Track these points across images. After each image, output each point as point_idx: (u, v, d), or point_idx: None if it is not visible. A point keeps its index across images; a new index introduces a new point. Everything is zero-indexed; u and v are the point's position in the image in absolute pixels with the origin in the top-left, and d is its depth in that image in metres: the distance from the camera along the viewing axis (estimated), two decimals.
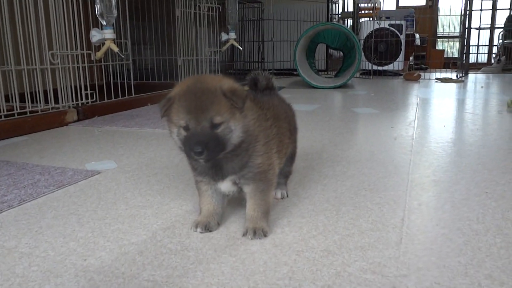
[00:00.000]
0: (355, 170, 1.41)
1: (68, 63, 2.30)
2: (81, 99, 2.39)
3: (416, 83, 4.61)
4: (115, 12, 2.41)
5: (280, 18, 5.36)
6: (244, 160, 0.93)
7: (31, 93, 2.11)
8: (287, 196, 1.18)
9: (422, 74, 5.30)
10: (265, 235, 0.94)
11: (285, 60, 5.44)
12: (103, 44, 2.46)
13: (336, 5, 6.53)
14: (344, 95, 3.53)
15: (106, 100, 2.61)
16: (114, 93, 2.66)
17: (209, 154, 0.85)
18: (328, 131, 2.05)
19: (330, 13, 5.80)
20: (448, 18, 8.50)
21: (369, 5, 7.38)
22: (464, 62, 5.32)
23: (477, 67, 6.47)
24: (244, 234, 0.94)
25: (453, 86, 4.20)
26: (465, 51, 5.28)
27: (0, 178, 1.35)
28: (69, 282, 0.76)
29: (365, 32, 5.44)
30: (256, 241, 0.91)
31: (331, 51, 5.94)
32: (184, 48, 3.37)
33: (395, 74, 5.45)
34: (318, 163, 1.50)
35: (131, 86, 2.80)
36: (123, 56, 2.50)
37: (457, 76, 5.05)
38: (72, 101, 2.33)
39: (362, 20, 6.02)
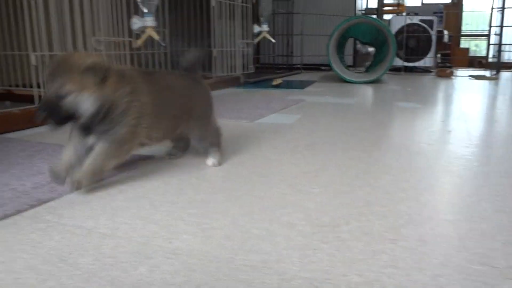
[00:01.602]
0: (431, 162, 1.36)
1: (112, 50, 2.27)
2: None
3: (449, 79, 4.51)
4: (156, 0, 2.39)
5: (309, 12, 5.29)
6: (108, 126, 1.02)
7: None
8: (219, 164, 1.28)
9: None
10: (77, 188, 1.01)
11: (313, 55, 5.37)
12: (144, 31, 2.43)
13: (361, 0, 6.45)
14: (380, 90, 3.46)
15: None
16: None
17: (52, 120, 0.94)
18: (381, 123, 2.00)
19: (356, 7, 5.72)
20: (470, 16, 8.33)
21: (393, 1, 7.28)
22: (496, 60, 5.20)
23: (508, 65, 6.32)
24: (69, 186, 1.02)
25: (488, 84, 4.10)
26: (498, 49, 5.16)
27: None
28: (162, 263, 0.73)
29: (394, 27, 5.34)
30: (345, 228, 0.87)
31: (358, 46, 5.86)
32: (218, 39, 3.33)
33: (424, 70, 5.35)
34: (387, 153, 1.45)
35: None
36: (163, 45, 2.48)
37: (490, 73, 4.94)
38: None
39: (386, 16, 5.93)
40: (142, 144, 1.15)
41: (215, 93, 3.14)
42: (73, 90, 0.94)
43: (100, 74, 0.97)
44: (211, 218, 0.92)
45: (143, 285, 0.66)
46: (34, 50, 1.91)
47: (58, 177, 1.04)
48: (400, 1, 7.12)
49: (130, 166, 1.28)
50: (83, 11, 2.12)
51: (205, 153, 1.32)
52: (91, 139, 1.05)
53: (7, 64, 2.55)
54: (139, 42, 2.42)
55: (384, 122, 2.06)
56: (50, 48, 1.94)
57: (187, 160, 1.37)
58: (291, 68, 5.19)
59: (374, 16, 6.48)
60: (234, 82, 3.59)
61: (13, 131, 1.80)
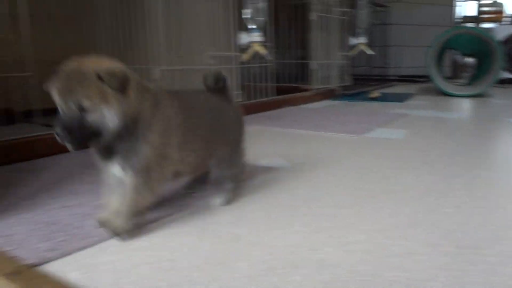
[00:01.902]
0: None
1: (222, 64, 2.40)
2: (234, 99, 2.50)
3: None
4: (263, 16, 2.49)
5: (405, 23, 5.17)
6: (129, 145, 0.87)
7: None
8: (224, 204, 1.10)
9: None
10: (118, 235, 0.90)
11: (409, 66, 5.23)
12: (250, 46, 2.54)
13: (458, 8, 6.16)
14: (485, 104, 3.29)
15: (250, 101, 2.69)
16: (256, 94, 2.74)
17: (73, 140, 0.81)
18: (496, 139, 1.91)
19: (453, 17, 5.49)
20: None
21: (492, 9, 6.87)
22: None
23: None
24: (100, 225, 0.92)
25: None
26: None
27: None
28: (314, 273, 0.77)
29: (498, 37, 5.04)
30: (489, 251, 0.85)
31: (456, 57, 5.60)
32: (317, 52, 3.38)
33: None
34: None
35: (268, 88, 2.86)
36: (270, 59, 2.57)
37: None
38: None
39: (485, 25, 5.61)
40: (177, 172, 0.99)
41: (313, 106, 3.20)
42: (95, 103, 0.81)
43: (120, 83, 0.82)
44: (346, 232, 0.95)
45: None
46: (157, 65, 2.07)
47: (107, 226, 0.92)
48: (498, 8, 6.72)
49: (252, 177, 1.35)
50: (200, 28, 2.27)
51: (217, 187, 1.15)
52: (114, 166, 0.90)
53: None
54: (246, 56, 2.54)
55: (499, 138, 1.97)
56: (170, 62, 2.10)
57: (306, 175, 1.41)
58: (385, 80, 5.09)
59: (472, 25, 6.18)
60: (330, 94, 3.61)
61: None
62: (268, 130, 2.16)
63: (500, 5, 6.47)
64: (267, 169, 1.43)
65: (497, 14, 6.55)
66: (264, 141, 1.91)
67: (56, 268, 0.80)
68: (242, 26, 2.71)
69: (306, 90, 3.46)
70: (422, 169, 1.44)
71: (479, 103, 3.36)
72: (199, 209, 1.09)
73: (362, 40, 3.71)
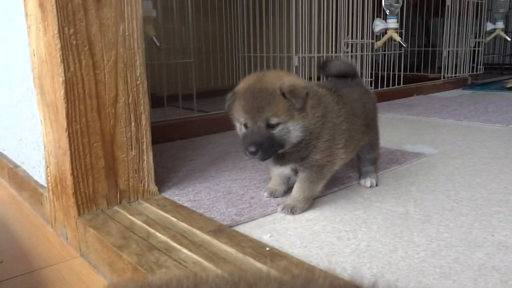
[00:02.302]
0: None
1: (357, 52, 2.42)
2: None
3: None
4: (400, 2, 2.44)
5: None
6: (304, 154, 0.94)
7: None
8: (377, 185, 1.14)
9: None
10: (292, 213, 0.96)
11: None
12: (384, 33, 2.51)
13: None
14: None
15: (379, 89, 2.67)
16: (383, 82, 2.71)
17: (263, 154, 0.87)
18: None
19: None
20: None
21: None
22: None
23: None
24: (281, 210, 0.97)
25: None
26: None
27: None
28: (496, 253, 0.78)
29: None
30: None
31: None
32: (451, 38, 3.22)
33: None
34: None
35: (400, 76, 2.81)
36: (405, 46, 2.52)
37: None
38: None
39: None
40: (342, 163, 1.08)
41: (443, 94, 3.06)
42: (281, 120, 0.87)
43: (302, 100, 0.88)
44: None
45: (486, 268, 0.73)
46: (296, 53, 2.15)
47: (277, 197, 1.06)
48: None
49: (400, 161, 1.36)
50: (338, 16, 2.30)
51: (364, 169, 1.18)
52: (286, 168, 1.00)
53: (255, 64, 2.92)
54: (379, 43, 2.52)
55: None
56: (310, 50, 2.17)
57: (459, 162, 1.38)
58: None
59: None
60: (461, 83, 3.42)
61: None
62: (405, 118, 2.13)
63: None
64: (416, 155, 1.43)
65: None
66: (403, 128, 1.90)
67: (247, 231, 0.90)
68: (376, 13, 2.69)
69: (433, 78, 3.32)
70: None
71: None
72: (359, 188, 1.14)
73: (499, 25, 3.45)
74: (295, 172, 1.01)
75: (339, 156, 1.01)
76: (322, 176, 0.99)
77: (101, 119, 0.95)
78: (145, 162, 1.04)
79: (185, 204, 1.02)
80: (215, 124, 1.85)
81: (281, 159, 0.97)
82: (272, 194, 1.07)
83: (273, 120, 0.87)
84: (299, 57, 2.13)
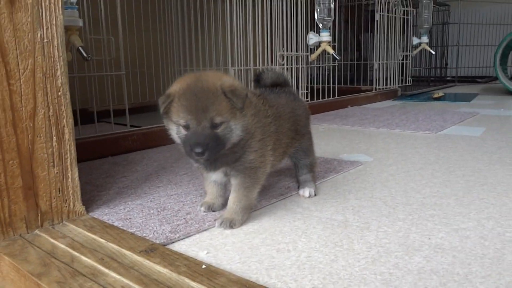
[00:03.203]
0: None
1: (292, 64, 2.44)
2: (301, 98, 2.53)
3: None
4: (332, 16, 2.50)
5: (466, 22, 5.03)
6: (238, 155, 0.93)
7: None
8: (315, 194, 1.13)
9: None
10: (231, 227, 0.93)
11: (469, 67, 5.09)
12: (318, 46, 2.56)
13: None
14: None
15: (315, 100, 2.71)
16: (318, 95, 2.75)
17: (209, 155, 0.85)
18: None
19: None
20: None
21: None
22: None
23: None
24: (220, 225, 0.93)
25: None
26: None
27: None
28: (434, 256, 0.78)
29: None
30: None
31: None
32: (381, 52, 3.35)
33: None
34: None
35: (334, 89, 2.87)
36: (338, 58, 2.58)
37: None
38: None
39: None
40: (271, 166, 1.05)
41: (376, 105, 3.17)
42: (225, 119, 0.87)
43: (243, 100, 0.88)
44: (455, 220, 0.95)
45: (425, 272, 0.72)
46: (232, 65, 2.13)
47: (215, 210, 1.03)
48: None
49: (338, 169, 1.37)
50: (272, 30, 2.31)
51: (301, 178, 1.17)
52: (218, 174, 0.98)
53: None
54: (314, 56, 2.56)
55: None
56: (246, 63, 2.16)
57: (394, 169, 1.41)
58: (444, 81, 4.97)
59: None
60: (392, 94, 3.57)
61: None
62: (340, 129, 2.17)
63: None
64: (353, 163, 1.45)
65: None
66: (339, 138, 1.92)
67: (183, 248, 0.84)
68: (310, 27, 2.74)
69: (365, 90, 3.44)
70: None
71: None
72: (298, 198, 1.12)
73: (424, 39, 3.65)
74: (227, 177, 0.98)
75: (269, 158, 1.00)
76: (256, 180, 0.97)
77: (18, 134, 0.87)
78: (69, 180, 0.95)
79: (116, 224, 0.95)
80: (150, 139, 1.78)
81: (213, 163, 0.94)
82: (210, 208, 1.03)
83: (217, 120, 0.86)
84: (235, 70, 2.11)
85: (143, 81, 2.84)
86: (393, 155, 1.58)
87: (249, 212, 0.98)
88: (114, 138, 1.68)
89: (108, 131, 1.73)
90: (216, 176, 0.99)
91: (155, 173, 1.40)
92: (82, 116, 1.72)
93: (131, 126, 2.08)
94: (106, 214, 1.02)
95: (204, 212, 1.02)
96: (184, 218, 0.98)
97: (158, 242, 0.85)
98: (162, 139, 1.82)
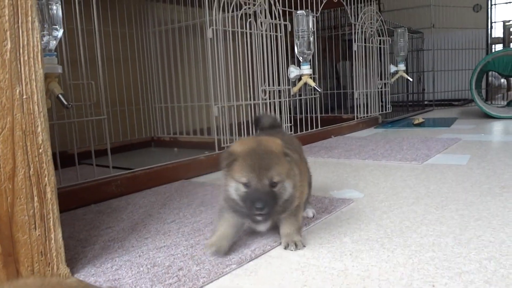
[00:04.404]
0: None
1: (275, 98, 2.44)
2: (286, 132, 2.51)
3: None
4: (312, 49, 2.53)
5: (440, 48, 5.16)
6: (288, 204, 1.01)
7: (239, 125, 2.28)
8: (316, 214, 1.26)
9: None
10: (304, 246, 1.04)
11: (445, 91, 5.19)
12: (299, 79, 2.57)
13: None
14: None
15: (299, 133, 2.70)
16: (302, 126, 2.75)
17: (267, 210, 0.92)
18: None
19: (488, 39, 5.47)
20: None
21: None
22: None
23: None
24: (286, 247, 1.04)
25: None
26: None
27: None
28: None
29: None
30: None
31: (490, 79, 5.55)
32: (359, 81, 3.39)
33: None
34: None
35: (317, 119, 2.87)
36: (319, 90, 2.59)
37: None
38: None
39: None
40: None
41: (358, 134, 3.18)
42: (282, 179, 0.96)
43: (293, 161, 0.99)
44: (456, 262, 0.93)
45: None
46: (215, 102, 2.11)
47: (221, 253, 1.01)
48: None
49: (329, 209, 1.34)
50: (254, 66, 2.31)
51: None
52: (267, 224, 1.04)
53: (173, 115, 2.85)
54: (295, 89, 2.57)
55: None
56: (229, 99, 2.14)
57: (386, 206, 1.39)
58: (422, 105, 5.05)
59: (501, 46, 6.12)
60: (373, 122, 3.59)
61: (200, 175, 1.99)
62: (327, 162, 2.15)
63: None
64: (344, 201, 1.42)
65: None
66: (327, 173, 1.90)
67: None
68: (290, 60, 2.77)
69: (347, 119, 3.46)
70: (504, 194, 1.41)
71: None
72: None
73: (401, 67, 3.71)
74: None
75: (304, 191, 1.11)
76: (300, 208, 1.08)
77: None
78: (52, 241, 0.90)
79: (103, 286, 0.90)
80: (134, 184, 1.73)
81: (268, 218, 1.01)
82: (218, 252, 1.00)
83: (276, 179, 0.94)
84: (218, 107, 2.09)
85: (124, 120, 2.80)
86: (383, 189, 1.56)
87: (301, 234, 1.08)
88: (97, 184, 1.63)
89: (89, 175, 1.68)
90: (265, 226, 1.05)
91: (142, 221, 1.34)
92: (62, 158, 1.66)
93: (114, 167, 2.02)
94: (92, 274, 0.96)
95: (213, 255, 1.00)
96: (177, 275, 0.93)
97: None
98: (146, 182, 1.77)
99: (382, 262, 0.95)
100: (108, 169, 1.75)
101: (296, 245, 1.04)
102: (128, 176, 1.72)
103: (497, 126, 3.24)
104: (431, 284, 0.84)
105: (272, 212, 0.96)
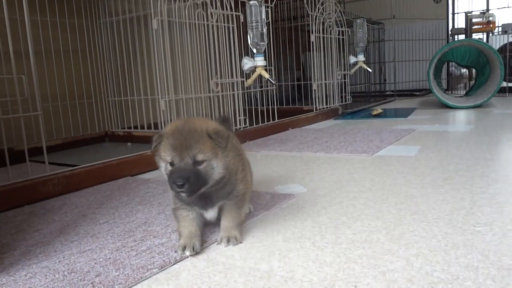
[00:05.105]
0: None
1: (227, 91, 2.38)
2: (239, 125, 2.46)
3: None
4: (266, 40, 2.48)
5: (401, 38, 5.20)
6: (230, 189, 1.05)
7: None
8: (252, 210, 1.26)
9: None
10: (240, 242, 1.05)
11: (406, 81, 5.25)
12: (254, 71, 2.53)
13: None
14: (490, 115, 3.27)
15: (255, 125, 2.66)
16: (258, 118, 2.71)
17: (189, 188, 0.93)
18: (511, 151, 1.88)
19: (448, 30, 5.55)
20: None
21: (482, 20, 6.93)
22: None
23: None
24: (219, 243, 1.05)
25: None
26: None
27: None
28: None
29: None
30: None
31: (451, 69, 5.65)
32: (318, 72, 3.37)
33: None
34: None
35: (274, 111, 2.84)
36: (274, 83, 2.55)
37: None
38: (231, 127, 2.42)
39: (475, 35, 5.65)
40: None
41: (317, 126, 3.17)
42: (207, 157, 0.96)
43: (226, 140, 0.99)
44: (383, 260, 0.91)
45: None
46: (162, 96, 2.05)
47: (198, 252, 1.00)
48: (491, 19, 6.78)
49: (269, 205, 1.31)
50: (203, 58, 2.25)
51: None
52: (214, 211, 1.07)
53: (127, 109, 2.77)
54: (249, 81, 2.52)
55: None
56: (176, 93, 2.07)
57: (327, 200, 1.37)
58: (384, 96, 5.09)
59: (463, 37, 6.23)
60: (333, 114, 3.59)
61: (147, 171, 1.93)
62: (278, 155, 2.12)
63: (492, 15, 6.54)
64: (286, 196, 1.39)
65: (488, 25, 6.61)
66: (276, 166, 1.87)
67: None
68: (244, 51, 2.72)
69: (307, 111, 3.44)
70: (445, 186, 1.40)
71: (482, 114, 3.34)
72: (221, 245, 1.04)
73: (361, 58, 3.71)
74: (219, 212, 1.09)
75: (250, 183, 1.16)
76: (244, 201, 1.10)
77: None
78: None
79: None
80: (73, 182, 1.65)
81: (209, 201, 1.04)
82: (194, 250, 0.99)
83: (200, 157, 0.95)
84: (165, 101, 2.02)
85: (74, 114, 2.70)
86: (328, 183, 1.54)
87: (240, 229, 1.09)
88: (32, 184, 1.55)
89: (35, 173, 1.59)
90: (213, 213, 1.07)
91: (73, 223, 1.28)
92: (9, 155, 1.57)
93: (60, 164, 1.94)
94: (3, 284, 0.90)
95: (191, 254, 0.99)
96: (92, 282, 0.87)
97: None
98: (87, 181, 1.70)
99: (309, 261, 0.92)
100: (56, 166, 1.67)
101: (228, 240, 1.04)
102: (66, 175, 1.65)
103: (453, 116, 3.28)
104: (353, 285, 0.81)
105: (196, 190, 0.96)
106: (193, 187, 0.94)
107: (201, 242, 1.03)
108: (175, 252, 1.00)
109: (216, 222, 1.11)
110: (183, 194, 0.97)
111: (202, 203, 1.04)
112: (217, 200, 1.05)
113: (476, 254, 0.90)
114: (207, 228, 1.14)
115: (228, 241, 1.04)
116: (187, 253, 0.98)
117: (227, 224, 1.06)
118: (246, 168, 1.14)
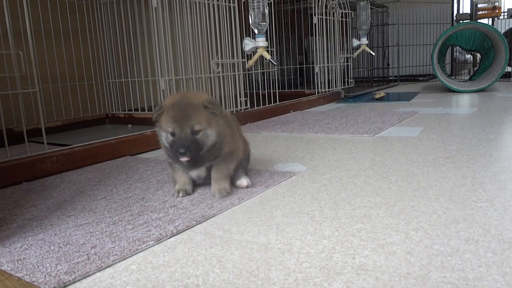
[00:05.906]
0: None
1: (228, 72, 2.36)
2: (240, 106, 2.44)
3: None
4: (267, 21, 2.44)
5: (405, 22, 5.14)
6: (217, 152, 1.16)
7: None
8: (250, 185, 1.27)
9: None
10: (228, 194, 1.17)
11: (409, 66, 5.19)
12: (255, 52, 2.50)
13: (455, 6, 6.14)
14: (494, 98, 3.24)
15: (256, 107, 2.64)
16: (259, 102, 2.69)
17: (190, 155, 1.07)
18: None
19: (454, 14, 5.48)
20: None
21: (488, 5, 6.84)
22: None
23: None
24: (213, 195, 1.17)
25: None
26: None
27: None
28: (356, 280, 0.71)
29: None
30: None
31: (455, 54, 5.58)
32: (320, 55, 3.33)
33: None
34: None
35: (276, 95, 2.81)
36: (275, 63, 2.52)
37: None
38: (231, 108, 2.39)
39: (481, 21, 5.58)
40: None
41: (318, 109, 3.14)
42: (203, 127, 1.09)
43: (220, 108, 1.13)
44: (382, 233, 0.89)
45: None
46: (162, 76, 2.02)
47: (190, 194, 1.21)
48: (496, 4, 6.69)
49: (268, 183, 1.29)
50: (203, 38, 2.22)
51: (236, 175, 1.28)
52: (201, 170, 1.20)
53: (127, 91, 2.75)
54: (251, 62, 2.49)
55: None
56: (176, 73, 2.05)
57: (327, 178, 1.35)
58: (387, 81, 5.05)
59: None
60: (335, 97, 3.56)
61: (146, 151, 1.92)
62: (279, 136, 2.11)
63: (498, 0, 6.44)
64: (285, 174, 1.37)
65: (493, 10, 6.52)
66: (276, 147, 1.86)
67: None
68: (246, 32, 2.68)
69: (309, 94, 3.42)
70: (447, 165, 1.39)
71: (486, 98, 3.31)
72: (221, 219, 1.03)
73: (364, 41, 3.67)
74: (207, 172, 1.20)
75: (240, 145, 1.27)
76: (232, 159, 1.21)
77: None
78: None
79: (5, 266, 0.83)
80: (72, 160, 1.64)
81: (197, 163, 1.16)
82: (186, 193, 1.19)
83: (197, 127, 1.08)
84: (165, 80, 2.00)
85: (74, 96, 2.68)
86: (328, 162, 1.52)
87: (229, 180, 1.21)
88: (30, 161, 1.53)
89: (34, 152, 1.58)
90: (199, 172, 1.19)
91: (71, 199, 1.27)
92: (8, 136, 1.57)
93: (59, 145, 1.93)
94: None
95: (182, 196, 1.18)
96: (87, 254, 0.86)
97: (50, 287, 0.74)
98: (86, 159, 1.69)
99: (307, 235, 0.91)
100: (55, 146, 1.66)
101: (223, 192, 1.16)
102: (65, 153, 1.64)
103: (457, 100, 3.25)
104: (351, 257, 0.80)
105: (196, 156, 1.10)
106: (193, 153, 1.08)
107: (192, 188, 1.22)
108: (173, 195, 1.20)
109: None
110: (184, 162, 1.12)
111: (190, 164, 1.16)
112: (203, 162, 1.17)
113: (476, 228, 0.89)
114: (204, 203, 1.13)
115: (220, 192, 1.16)
116: (181, 194, 1.18)
117: (216, 175, 1.18)
118: (236, 133, 1.27)
